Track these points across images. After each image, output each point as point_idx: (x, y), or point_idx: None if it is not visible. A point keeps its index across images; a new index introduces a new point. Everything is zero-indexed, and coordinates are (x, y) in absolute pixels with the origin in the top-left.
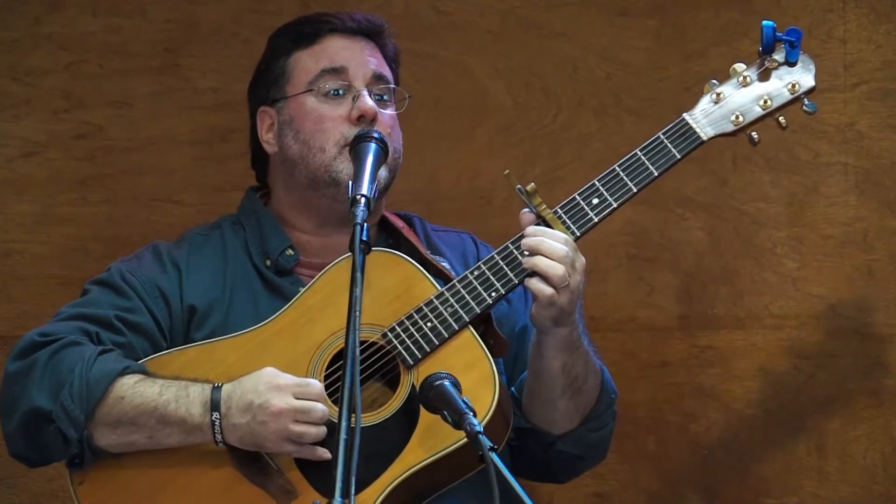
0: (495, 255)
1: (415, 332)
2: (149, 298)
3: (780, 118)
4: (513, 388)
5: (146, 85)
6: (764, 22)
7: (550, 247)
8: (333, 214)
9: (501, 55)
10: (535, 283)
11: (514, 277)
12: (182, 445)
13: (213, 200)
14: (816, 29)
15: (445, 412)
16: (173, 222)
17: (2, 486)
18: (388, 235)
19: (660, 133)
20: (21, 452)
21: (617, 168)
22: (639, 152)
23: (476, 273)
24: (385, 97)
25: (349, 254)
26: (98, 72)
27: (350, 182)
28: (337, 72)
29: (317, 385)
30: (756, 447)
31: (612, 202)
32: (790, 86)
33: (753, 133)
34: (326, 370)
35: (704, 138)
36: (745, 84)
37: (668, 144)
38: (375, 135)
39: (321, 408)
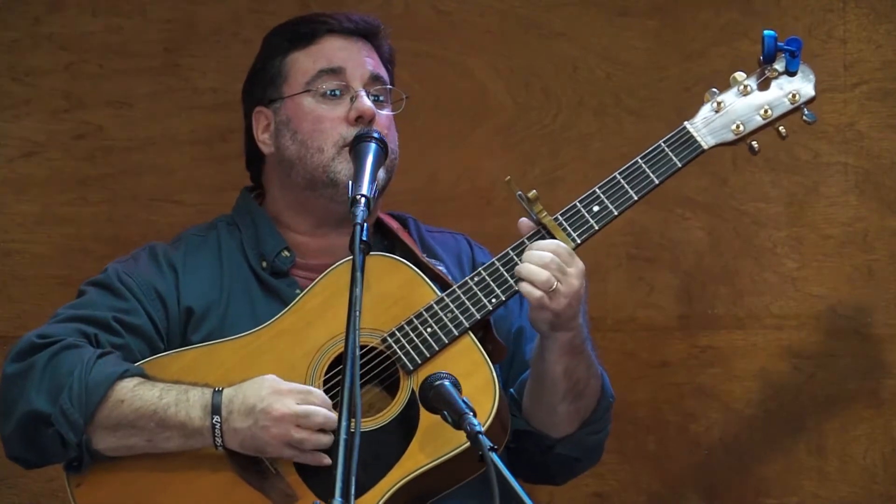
0: (496, 262)
1: (415, 338)
2: (146, 300)
3: (781, 128)
4: (511, 390)
5: (146, 85)
6: (765, 32)
7: (534, 253)
8: (331, 215)
9: (501, 55)
10: (523, 286)
11: (514, 284)
12: (181, 449)
13: (213, 200)
14: (816, 29)
15: (445, 412)
16: (173, 222)
17: (2, 487)
18: (382, 237)
19: (661, 141)
20: (18, 454)
21: (617, 175)
22: (640, 160)
23: (476, 279)
24: (381, 98)
25: (348, 258)
26: (98, 72)
27: (350, 182)
28: (335, 72)
29: (319, 393)
30: (756, 447)
31: (613, 210)
32: (790, 95)
33: (754, 142)
34: (325, 375)
35: (705, 147)
36: (745, 93)
37: (669, 153)
38: (375, 135)
39: (323, 412)
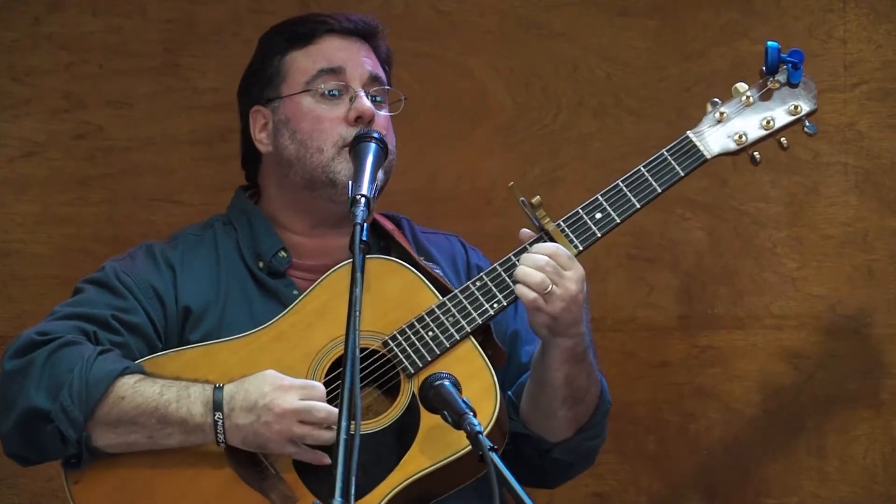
0: (497, 267)
1: (416, 341)
2: (144, 299)
3: (782, 139)
4: (510, 393)
5: (146, 85)
6: (769, 43)
7: (530, 256)
8: (329, 215)
9: (501, 55)
10: (517, 288)
11: (514, 289)
12: (182, 446)
13: (213, 200)
14: (816, 29)
15: (445, 412)
16: (173, 222)
17: (2, 487)
18: (378, 238)
19: (663, 150)
20: (17, 451)
21: (620, 183)
22: (642, 168)
23: (478, 283)
24: (379, 98)
25: (347, 261)
26: (98, 72)
27: (350, 182)
28: (334, 72)
29: (320, 388)
30: (756, 447)
31: (616, 217)
32: (792, 107)
33: (755, 153)
34: (325, 377)
35: (708, 156)
36: (747, 104)
37: (672, 161)
38: (375, 135)
39: (325, 407)
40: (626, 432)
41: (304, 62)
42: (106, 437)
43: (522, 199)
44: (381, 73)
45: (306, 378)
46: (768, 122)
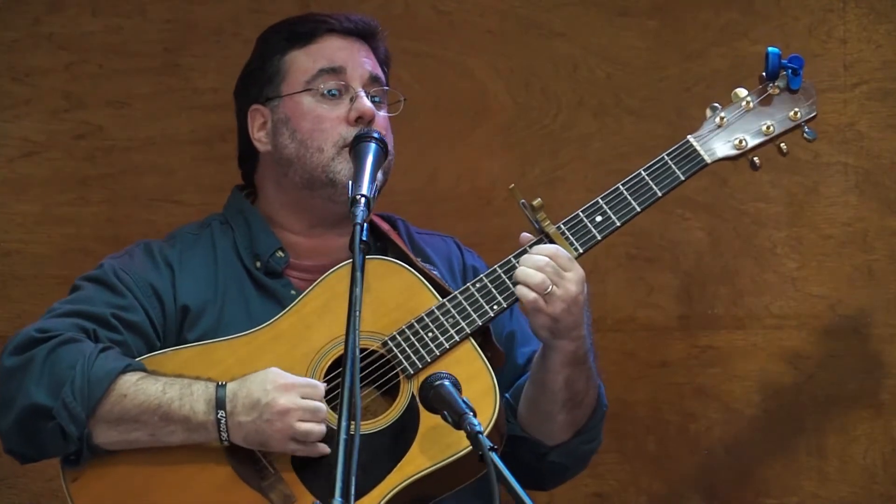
0: (497, 269)
1: (416, 342)
2: (143, 297)
3: (782, 144)
4: (507, 395)
5: (146, 85)
6: (769, 49)
7: (530, 257)
8: (327, 215)
9: (501, 55)
10: (517, 289)
11: (514, 290)
12: (184, 443)
13: (213, 200)
14: (816, 29)
15: (445, 412)
16: (173, 222)
17: (2, 487)
18: (375, 239)
19: (664, 154)
20: (16, 449)
21: (620, 187)
22: (643, 172)
23: (478, 285)
24: (378, 99)
25: (346, 262)
26: (98, 72)
27: (350, 182)
28: (335, 72)
29: (323, 386)
30: (756, 447)
31: (616, 221)
32: (792, 113)
33: (755, 158)
34: (325, 377)
35: (708, 161)
36: (747, 110)
37: (673, 166)
38: (376, 135)
39: (326, 408)
40: (626, 432)
41: (304, 61)
42: (107, 435)
43: (523, 201)
44: (381, 74)
45: (306, 377)
46: (768, 128)
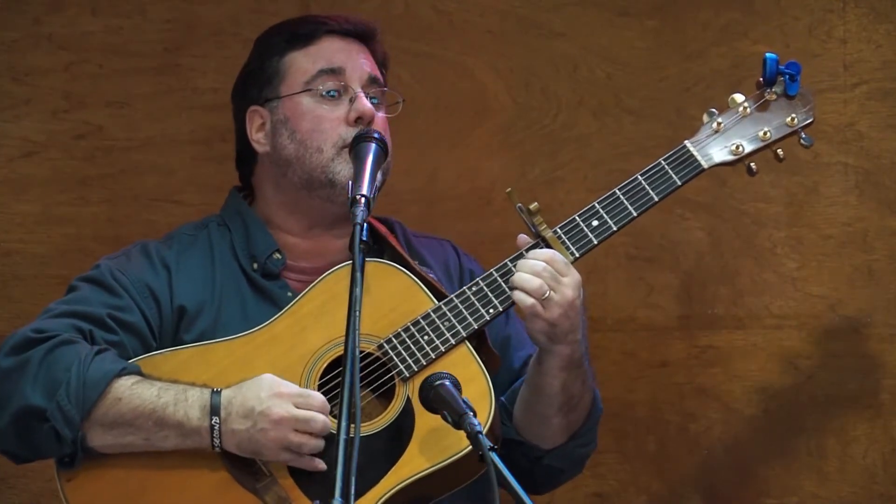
0: (493, 272)
1: (411, 345)
2: (139, 298)
3: (779, 150)
4: (502, 398)
5: (146, 85)
6: (767, 54)
7: (527, 262)
8: (325, 216)
9: (501, 55)
10: (515, 294)
11: (511, 295)
12: (178, 449)
13: (213, 200)
14: (816, 29)
15: (445, 412)
16: (173, 222)
17: (2, 487)
18: (373, 241)
19: (661, 159)
20: (10, 449)
21: (617, 191)
22: (640, 177)
23: (474, 289)
24: (377, 100)
25: (343, 264)
26: (98, 72)
27: (350, 182)
28: (334, 73)
29: (318, 397)
30: (756, 447)
31: (612, 225)
32: (789, 119)
33: (752, 163)
34: (320, 379)
35: (705, 166)
36: (744, 115)
37: (670, 171)
38: (376, 135)
39: (322, 419)
40: (626, 432)
41: (303, 62)
42: (101, 438)
43: (520, 205)
44: (379, 75)
45: (301, 380)
46: (765, 134)
